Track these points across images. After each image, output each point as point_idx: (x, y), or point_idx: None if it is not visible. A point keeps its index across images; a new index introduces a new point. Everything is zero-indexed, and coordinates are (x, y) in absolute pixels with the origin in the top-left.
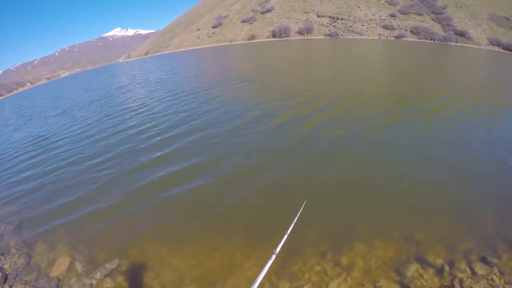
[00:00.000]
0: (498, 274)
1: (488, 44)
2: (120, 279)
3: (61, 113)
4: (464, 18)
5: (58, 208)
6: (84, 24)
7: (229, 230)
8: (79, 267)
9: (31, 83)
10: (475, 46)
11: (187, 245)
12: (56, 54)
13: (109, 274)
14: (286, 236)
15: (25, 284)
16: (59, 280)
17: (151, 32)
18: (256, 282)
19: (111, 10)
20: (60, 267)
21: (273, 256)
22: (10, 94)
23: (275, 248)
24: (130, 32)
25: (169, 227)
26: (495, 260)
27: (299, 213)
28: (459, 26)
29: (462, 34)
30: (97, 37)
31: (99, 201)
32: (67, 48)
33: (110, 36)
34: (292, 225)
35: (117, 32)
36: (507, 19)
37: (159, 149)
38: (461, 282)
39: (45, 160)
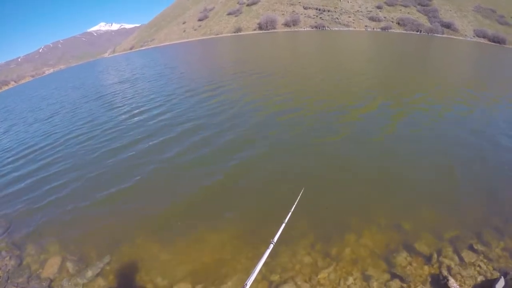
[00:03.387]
0: (485, 261)
1: (474, 36)
2: (112, 277)
3: (52, 115)
4: (450, 10)
5: (48, 208)
6: (67, 19)
7: (220, 224)
8: (70, 266)
9: (15, 81)
10: (461, 38)
11: (178, 241)
12: (40, 51)
13: (101, 273)
14: (283, 225)
15: (17, 286)
16: (51, 280)
17: (136, 26)
18: (254, 271)
19: (95, 4)
20: (51, 268)
21: (271, 246)
22: None
23: (273, 238)
24: (115, 26)
25: (160, 223)
26: (482, 248)
27: (297, 201)
28: (445, 17)
29: (448, 26)
30: (81, 32)
31: (88, 200)
32: (51, 45)
33: (95, 31)
34: (290, 213)
35: (102, 27)
36: (493, 11)
37: (151, 143)
38: (449, 269)
39: (33, 161)
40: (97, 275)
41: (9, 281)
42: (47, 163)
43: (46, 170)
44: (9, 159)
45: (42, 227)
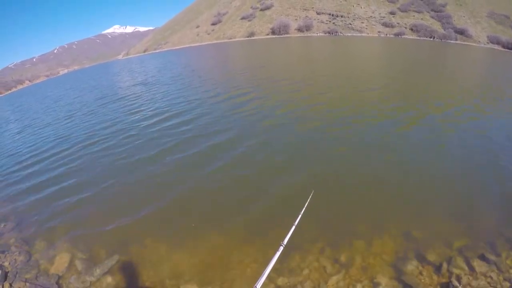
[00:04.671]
0: (496, 271)
1: (487, 42)
2: (120, 276)
3: (66, 117)
4: (464, 16)
5: (58, 207)
6: (82, 21)
7: (229, 227)
8: (78, 264)
9: (29, 81)
10: (474, 44)
11: (187, 242)
12: (55, 51)
13: (109, 271)
14: (293, 227)
15: (25, 281)
16: (59, 277)
17: (150, 29)
18: (264, 274)
19: (110, 7)
20: (60, 265)
21: (281, 248)
22: (9, 92)
23: (283, 240)
24: (129, 29)
25: (169, 224)
26: (493, 258)
27: (306, 204)
28: (458, 24)
29: (461, 32)
30: (95, 34)
31: (99, 200)
32: (65, 46)
33: (109, 33)
34: (300, 216)
35: (116, 29)
36: (507, 17)
37: (158, 141)
38: (459, 279)
39: (47, 161)
40: (105, 273)
41: (17, 276)
42: (60, 163)
43: (58, 170)
44: (22, 159)
45: (52, 224)
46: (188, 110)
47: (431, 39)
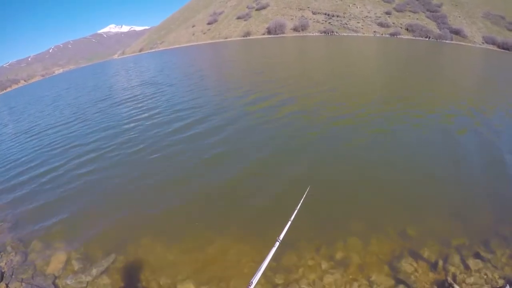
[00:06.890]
0: (491, 268)
1: (483, 43)
2: (116, 275)
3: (67, 121)
4: (459, 17)
5: (54, 206)
6: (78, 21)
7: (225, 226)
8: (75, 264)
9: (25, 80)
10: (470, 44)
11: (183, 241)
12: (50, 51)
13: (105, 271)
14: (289, 223)
15: (22, 281)
16: (56, 277)
17: (146, 29)
18: (260, 269)
19: (105, 6)
20: (56, 264)
21: (277, 243)
22: (4, 91)
23: (279, 235)
24: (125, 28)
25: (165, 223)
26: (488, 255)
27: (303, 199)
28: (454, 24)
29: (457, 32)
30: (91, 33)
31: (94, 199)
32: (61, 45)
33: (105, 33)
34: (296, 211)
35: (112, 28)
36: (502, 17)
37: (156, 141)
38: (454, 276)
39: (42, 159)
40: (102, 273)
41: (13, 276)
42: (57, 166)
43: (55, 172)
44: (19, 162)
45: (48, 225)
46: (186, 113)
47: (427, 39)
